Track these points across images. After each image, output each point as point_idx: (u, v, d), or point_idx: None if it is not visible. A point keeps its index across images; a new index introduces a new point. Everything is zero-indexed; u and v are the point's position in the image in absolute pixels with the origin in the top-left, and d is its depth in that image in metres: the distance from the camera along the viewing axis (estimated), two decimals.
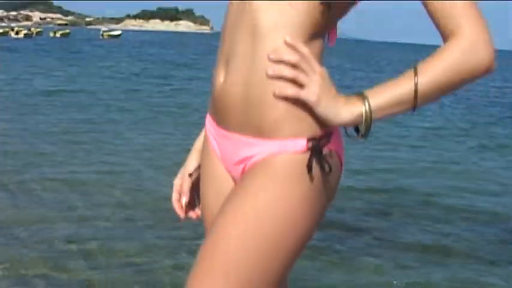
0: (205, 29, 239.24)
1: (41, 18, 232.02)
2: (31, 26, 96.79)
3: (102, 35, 74.03)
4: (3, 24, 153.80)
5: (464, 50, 0.96)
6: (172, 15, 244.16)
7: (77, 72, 18.54)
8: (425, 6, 1.00)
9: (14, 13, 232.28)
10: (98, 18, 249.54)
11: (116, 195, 4.74)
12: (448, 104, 14.75)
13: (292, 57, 0.98)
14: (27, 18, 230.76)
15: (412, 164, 7.00)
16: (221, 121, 1.09)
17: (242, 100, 1.02)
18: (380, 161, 7.00)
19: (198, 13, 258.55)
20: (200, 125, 1.25)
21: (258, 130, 1.02)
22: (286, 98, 1.00)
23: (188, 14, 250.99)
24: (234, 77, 1.03)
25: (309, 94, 0.98)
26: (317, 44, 1.03)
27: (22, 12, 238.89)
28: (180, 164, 1.30)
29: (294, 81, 0.99)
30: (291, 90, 0.99)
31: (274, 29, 1.00)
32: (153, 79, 17.38)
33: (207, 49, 47.82)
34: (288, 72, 0.98)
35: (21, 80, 15.02)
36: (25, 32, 61.57)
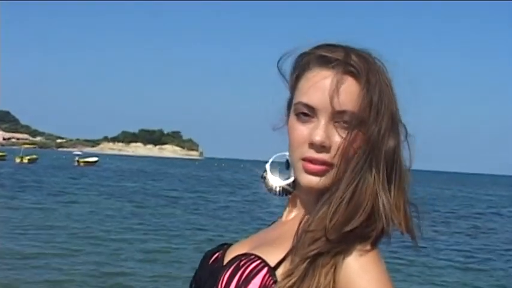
0: (193, 154, 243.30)
1: (4, 139, 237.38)
2: None
3: (78, 161, 75.42)
4: None
5: None
6: (156, 138, 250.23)
7: (42, 222, 18.51)
8: None
9: None
10: (71, 140, 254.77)
11: None
12: None
13: None
14: None
15: None
16: None
17: None
18: None
19: (185, 136, 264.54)
20: None
21: None
22: None
23: (174, 137, 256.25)
24: None
25: None
26: None
27: None
28: None
29: None
30: None
31: None
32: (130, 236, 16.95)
33: (192, 185, 48.18)
34: None
35: None
36: None
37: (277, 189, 1.28)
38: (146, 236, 17.50)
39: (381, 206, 1.11)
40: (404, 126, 1.18)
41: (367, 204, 1.11)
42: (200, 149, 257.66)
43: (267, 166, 1.30)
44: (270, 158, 1.32)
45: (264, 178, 1.31)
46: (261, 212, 25.69)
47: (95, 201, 27.27)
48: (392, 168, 1.13)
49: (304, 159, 1.15)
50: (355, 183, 1.12)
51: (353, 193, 1.11)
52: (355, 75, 1.14)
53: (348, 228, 1.09)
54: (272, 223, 1.33)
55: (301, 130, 1.16)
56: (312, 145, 1.13)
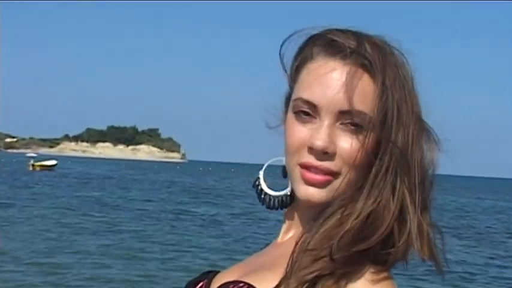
0: (174, 156, 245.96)
1: None
2: None
3: (33, 165, 76.30)
4: None
5: None
6: (128, 136, 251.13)
7: None
8: None
9: None
10: (23, 139, 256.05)
11: None
12: None
13: None
14: None
15: None
16: None
17: None
18: None
19: (164, 135, 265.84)
20: None
21: None
22: None
23: (151, 136, 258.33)
24: None
25: None
26: None
27: None
28: None
29: None
30: None
31: None
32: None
33: (172, 195, 48.42)
34: None
35: None
36: None
37: (272, 201, 1.26)
38: (111, 261, 17.00)
39: (408, 228, 1.10)
40: (432, 130, 1.16)
41: (388, 225, 1.09)
42: (182, 150, 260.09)
43: (261, 173, 1.29)
44: (265, 162, 1.32)
45: (257, 187, 1.28)
46: (257, 231, 25.59)
47: (50, 215, 26.93)
48: (420, 183, 1.12)
49: (302, 166, 1.14)
50: (377, 199, 1.10)
51: (373, 211, 1.10)
52: (368, 69, 1.12)
53: (359, 248, 1.08)
54: (266, 245, 1.33)
55: (300, 131, 1.15)
56: (312, 150, 1.12)
